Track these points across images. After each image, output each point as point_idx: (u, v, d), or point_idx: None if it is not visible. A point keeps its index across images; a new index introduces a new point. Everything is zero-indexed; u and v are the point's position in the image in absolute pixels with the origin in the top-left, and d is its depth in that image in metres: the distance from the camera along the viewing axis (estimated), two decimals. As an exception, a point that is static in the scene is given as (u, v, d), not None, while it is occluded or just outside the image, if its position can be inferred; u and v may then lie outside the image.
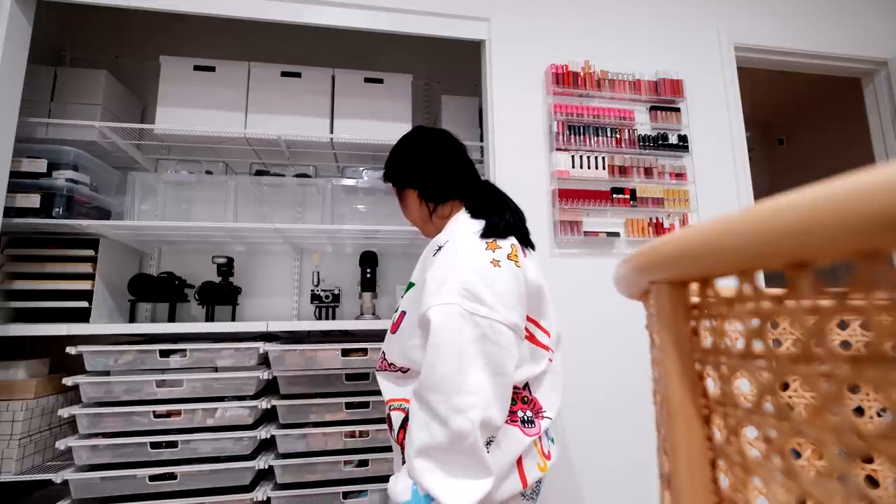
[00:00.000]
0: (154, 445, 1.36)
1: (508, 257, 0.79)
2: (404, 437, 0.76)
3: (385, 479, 1.43)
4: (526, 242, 0.90)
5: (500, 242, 0.81)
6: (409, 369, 0.83)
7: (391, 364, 0.86)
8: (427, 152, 1.00)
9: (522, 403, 0.80)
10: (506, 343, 0.72)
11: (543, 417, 0.82)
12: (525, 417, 0.79)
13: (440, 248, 0.81)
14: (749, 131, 1.86)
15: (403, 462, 0.74)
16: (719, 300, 0.25)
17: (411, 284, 0.86)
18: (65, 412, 1.31)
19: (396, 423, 0.79)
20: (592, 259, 1.61)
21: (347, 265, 2.02)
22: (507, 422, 0.76)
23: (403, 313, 0.84)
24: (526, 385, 0.82)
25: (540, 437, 0.81)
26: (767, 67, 1.98)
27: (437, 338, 0.69)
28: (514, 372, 0.73)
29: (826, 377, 0.19)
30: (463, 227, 0.86)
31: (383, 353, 0.89)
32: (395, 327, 0.85)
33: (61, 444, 1.31)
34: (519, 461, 0.76)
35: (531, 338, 0.82)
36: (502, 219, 0.87)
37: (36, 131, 1.64)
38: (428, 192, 0.97)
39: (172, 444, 1.36)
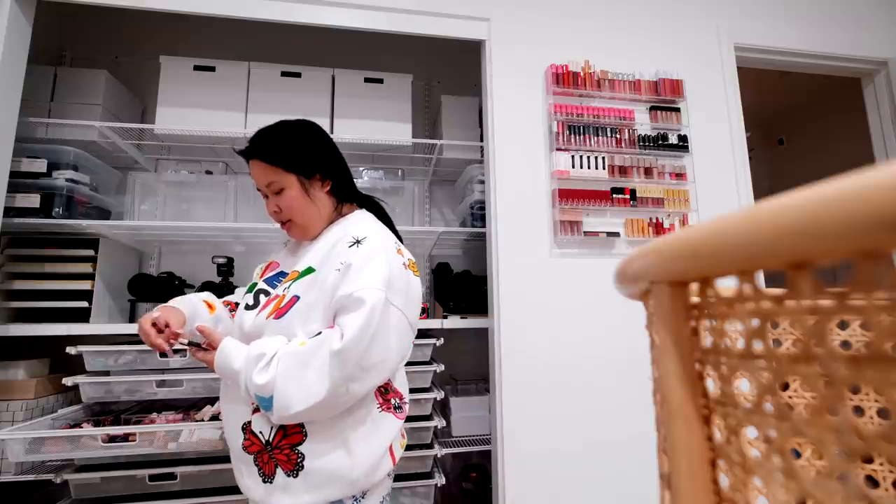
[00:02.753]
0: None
1: (409, 265, 0.89)
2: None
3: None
4: None
5: (403, 250, 0.91)
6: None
7: None
8: (333, 146, 0.96)
9: (392, 393, 0.90)
10: (406, 332, 0.85)
11: (406, 403, 0.93)
12: (395, 404, 0.90)
13: (357, 241, 0.84)
14: (749, 131, 1.86)
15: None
16: (719, 300, 0.25)
17: (310, 269, 0.86)
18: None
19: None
20: (592, 259, 1.61)
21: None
22: (383, 409, 0.87)
23: (296, 298, 0.83)
24: (389, 379, 0.91)
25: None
26: (767, 67, 1.98)
27: (371, 311, 0.76)
28: (399, 351, 0.85)
29: (826, 377, 0.19)
30: (375, 226, 0.91)
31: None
32: (282, 312, 0.82)
33: (61, 444, 1.31)
34: (390, 446, 0.87)
35: None
36: (395, 230, 0.98)
37: (36, 131, 1.63)
38: (339, 186, 0.94)
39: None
